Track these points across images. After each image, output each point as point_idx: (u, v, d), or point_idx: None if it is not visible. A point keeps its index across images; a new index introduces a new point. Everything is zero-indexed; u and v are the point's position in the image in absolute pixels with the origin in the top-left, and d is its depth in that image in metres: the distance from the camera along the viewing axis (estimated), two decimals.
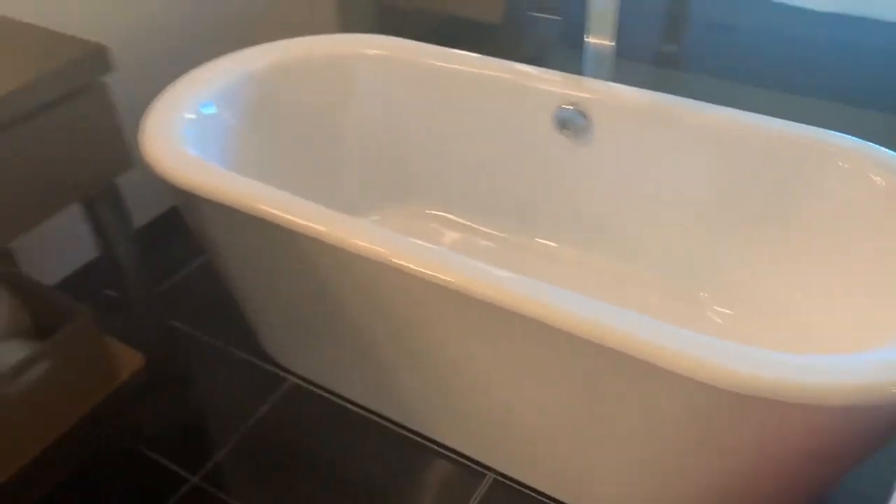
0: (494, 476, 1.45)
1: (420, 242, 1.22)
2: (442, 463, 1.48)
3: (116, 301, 1.85)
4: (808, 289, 1.50)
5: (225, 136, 1.68)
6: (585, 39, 1.66)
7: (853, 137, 1.44)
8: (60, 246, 1.77)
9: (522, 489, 1.42)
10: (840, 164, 1.42)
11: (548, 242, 1.83)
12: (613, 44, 1.64)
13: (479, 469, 1.46)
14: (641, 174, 1.64)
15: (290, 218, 1.27)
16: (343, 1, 2.37)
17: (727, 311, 1.64)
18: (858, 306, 1.37)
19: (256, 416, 1.58)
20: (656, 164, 1.62)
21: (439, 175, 1.90)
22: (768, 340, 1.51)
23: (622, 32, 1.66)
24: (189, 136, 1.52)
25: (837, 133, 1.44)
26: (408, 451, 1.51)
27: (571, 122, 1.64)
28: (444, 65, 1.77)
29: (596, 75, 1.65)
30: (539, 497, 1.41)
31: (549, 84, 1.67)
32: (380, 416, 1.57)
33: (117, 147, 1.18)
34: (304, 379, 1.66)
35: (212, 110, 1.66)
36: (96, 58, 1.09)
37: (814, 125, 1.46)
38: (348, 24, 2.41)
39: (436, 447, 1.50)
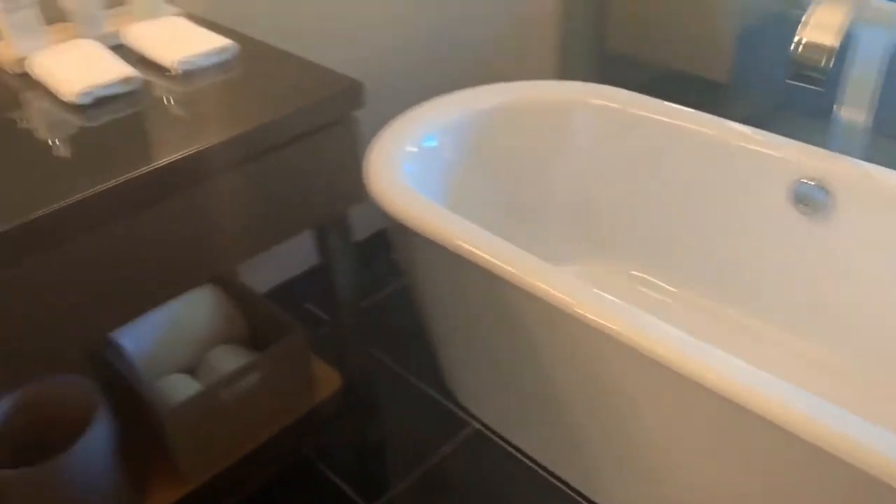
0: None
1: (631, 307, 1.15)
2: None
3: (319, 318, 1.92)
4: None
5: (442, 169, 1.71)
6: (835, 110, 1.52)
7: None
8: (271, 259, 1.86)
9: None
10: None
11: (755, 321, 1.69)
12: (869, 118, 1.49)
13: None
14: (889, 266, 1.47)
15: (495, 262, 1.25)
16: (564, 46, 2.36)
17: None
18: None
19: (437, 457, 1.56)
20: None
21: (646, 234, 1.82)
22: None
23: (880, 105, 1.50)
24: (409, 167, 1.56)
25: None
26: None
27: (810, 199, 1.51)
28: (669, 121, 1.69)
29: (845, 151, 1.50)
30: None
31: (787, 153, 1.55)
32: (564, 482, 1.50)
33: (355, 179, 1.20)
34: (486, 426, 1.63)
35: (433, 144, 1.69)
36: (351, 94, 1.13)
37: None
38: (567, 69, 2.39)
39: None
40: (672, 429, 1.18)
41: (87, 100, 1.10)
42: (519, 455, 1.56)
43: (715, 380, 1.03)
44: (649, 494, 1.32)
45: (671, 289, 1.81)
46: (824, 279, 1.57)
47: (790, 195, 1.54)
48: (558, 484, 1.49)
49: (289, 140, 1.09)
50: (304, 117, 1.09)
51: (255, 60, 1.23)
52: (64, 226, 0.90)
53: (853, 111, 1.49)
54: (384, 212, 1.40)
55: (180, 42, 1.22)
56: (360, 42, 1.84)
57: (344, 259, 1.30)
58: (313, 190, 1.16)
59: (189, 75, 1.18)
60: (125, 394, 1.28)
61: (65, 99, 1.11)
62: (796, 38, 1.29)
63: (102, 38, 1.25)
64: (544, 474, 1.51)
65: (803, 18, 1.31)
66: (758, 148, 1.58)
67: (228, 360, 1.38)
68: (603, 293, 1.18)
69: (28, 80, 1.19)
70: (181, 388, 1.32)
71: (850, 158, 1.48)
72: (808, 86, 1.29)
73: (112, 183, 0.92)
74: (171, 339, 1.38)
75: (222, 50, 1.21)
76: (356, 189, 1.22)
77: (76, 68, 1.14)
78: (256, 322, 1.47)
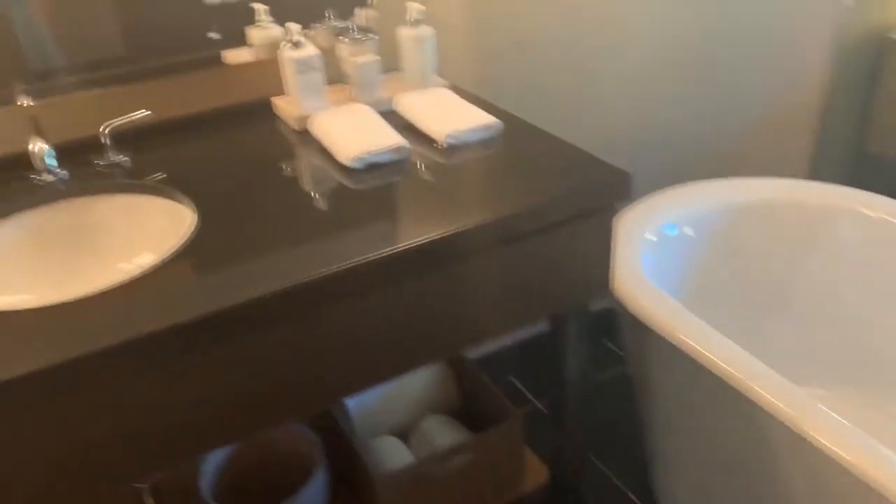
0: None
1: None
2: None
3: (523, 395, 1.87)
4: None
5: (681, 259, 1.61)
6: None
7: None
8: None
9: None
10: None
11: None
12: None
13: None
14: None
15: (739, 377, 1.14)
16: (820, 141, 2.17)
17: None
18: None
19: None
20: None
21: None
22: None
23: None
24: (647, 256, 1.48)
25: None
26: None
27: None
28: None
29: None
30: None
31: None
32: None
33: (604, 271, 1.15)
34: None
35: (673, 233, 1.60)
36: (617, 184, 1.08)
37: None
38: (820, 166, 2.21)
39: None
40: None
41: (359, 164, 1.13)
42: None
43: None
44: None
45: None
46: None
47: None
48: None
49: (545, 227, 1.06)
50: (565, 205, 1.06)
51: (518, 139, 1.22)
52: (321, 292, 0.91)
53: None
54: (624, 306, 1.33)
55: (448, 115, 1.24)
56: (616, 127, 1.81)
57: (578, 350, 1.24)
58: (559, 278, 1.12)
59: (454, 149, 1.19)
60: (340, 448, 1.29)
61: (339, 160, 1.15)
62: None
63: (376, 103, 1.31)
64: None
65: None
66: None
67: (442, 432, 1.36)
68: (855, 427, 1.03)
69: (306, 137, 1.26)
70: (393, 452, 1.31)
71: None
72: None
73: (373, 256, 0.93)
74: (389, 401, 1.38)
75: (487, 127, 1.22)
76: (603, 281, 1.16)
77: (352, 132, 1.18)
78: (471, 395, 1.44)
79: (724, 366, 1.17)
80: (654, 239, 1.56)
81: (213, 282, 0.88)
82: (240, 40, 1.33)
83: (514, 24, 1.59)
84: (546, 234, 1.07)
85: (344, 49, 1.33)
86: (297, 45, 1.26)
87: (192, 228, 1.00)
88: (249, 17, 1.32)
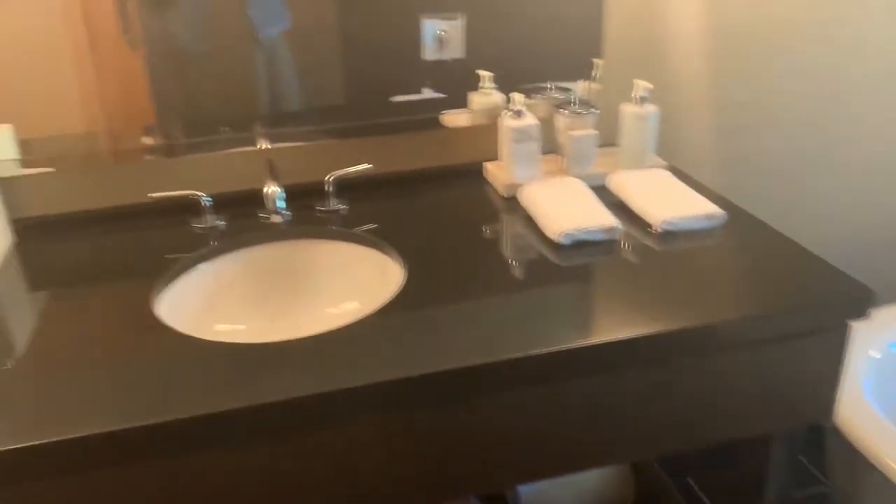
0: None
1: None
2: None
3: (699, 500, 1.73)
4: None
5: None
6: None
7: None
8: None
9: None
10: None
11: None
12: None
13: None
14: None
15: None
16: None
17: None
18: None
19: None
20: None
21: None
22: None
23: None
24: (869, 375, 1.33)
25: None
26: None
27: None
28: None
29: None
30: None
31: None
32: None
33: (828, 396, 1.03)
34: None
35: None
36: (856, 301, 0.97)
37: None
38: None
39: None
40: None
41: (566, 240, 1.11)
42: None
43: None
44: None
45: None
46: None
47: None
48: None
49: (761, 340, 0.97)
50: (790, 318, 0.96)
51: (742, 234, 1.13)
52: (517, 372, 0.88)
53: None
54: (839, 431, 1.19)
55: (665, 198, 1.19)
56: (847, 221, 1.66)
57: (781, 469, 1.12)
58: (771, 396, 1.01)
59: (669, 236, 1.13)
60: None
61: (546, 232, 1.13)
62: None
63: (588, 178, 1.28)
64: None
65: None
66: None
67: None
68: None
69: (515, 205, 1.25)
70: None
71: None
72: None
73: (574, 344, 0.88)
74: (562, 487, 1.32)
75: (709, 216, 1.15)
76: (826, 405, 1.03)
77: (562, 206, 1.16)
78: (646, 491, 1.35)
79: None
80: (879, 356, 1.40)
81: (415, 342, 0.89)
82: (459, 102, 1.36)
83: (744, 105, 1.51)
84: (762, 346, 0.97)
85: (562, 121, 1.32)
86: (518, 114, 1.27)
87: (399, 284, 1.02)
88: (466, 75, 1.35)
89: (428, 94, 1.35)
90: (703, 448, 1.03)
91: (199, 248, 1.14)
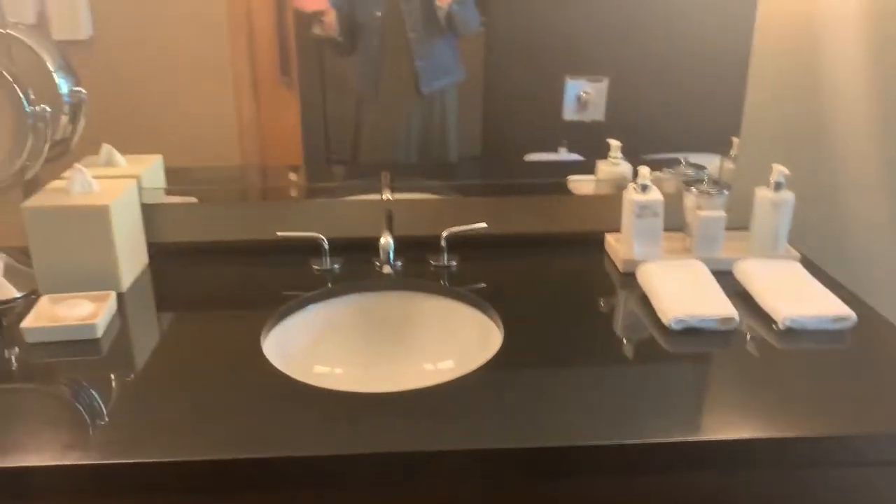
0: None
1: None
2: None
3: None
4: None
5: None
6: None
7: None
8: None
9: None
10: None
11: None
12: None
13: None
14: None
15: None
16: None
17: None
18: None
19: None
20: None
21: None
22: None
23: None
24: None
25: None
26: None
27: None
28: None
29: None
30: None
31: None
32: None
33: None
34: None
35: None
36: None
37: None
38: None
39: None
40: None
41: (677, 326, 1.05)
42: None
43: None
44: None
45: None
46: None
47: None
48: None
49: (886, 462, 0.87)
50: None
51: (876, 342, 1.04)
52: (598, 460, 0.84)
53: None
54: None
55: (793, 293, 1.11)
56: None
57: None
58: None
59: (792, 334, 1.05)
60: None
61: (658, 314, 1.09)
62: None
63: (712, 261, 1.22)
64: None
65: None
66: None
67: None
68: None
69: (630, 280, 1.21)
70: None
71: None
72: None
73: (675, 438, 0.83)
74: None
75: (838, 318, 1.06)
76: None
77: (679, 289, 1.11)
78: None
79: None
80: None
81: (503, 413, 0.87)
82: (591, 165, 1.35)
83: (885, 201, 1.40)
84: (885, 469, 0.88)
85: (691, 199, 1.27)
86: (643, 188, 1.24)
87: (496, 349, 1.01)
88: (602, 139, 1.33)
89: (563, 154, 1.35)
90: None
91: (315, 289, 1.18)
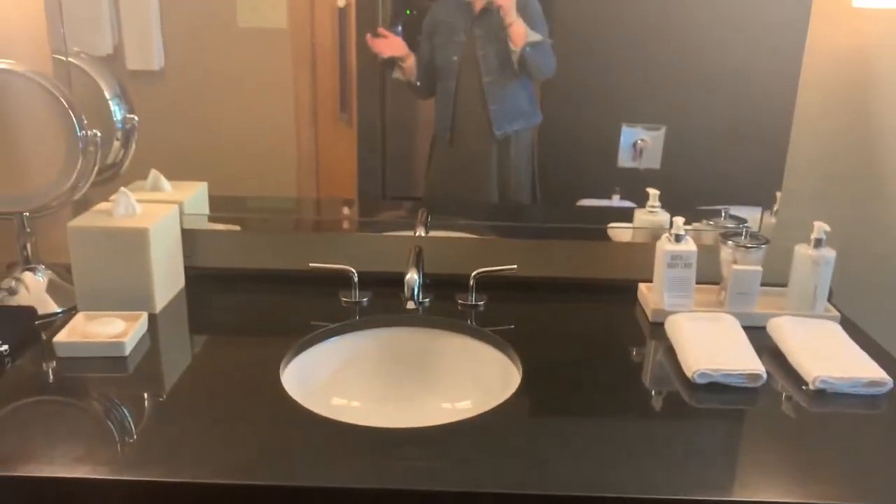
0: None
1: None
2: None
3: None
4: None
5: None
6: None
7: None
8: None
9: None
10: None
11: None
12: None
13: None
14: None
15: None
16: None
17: None
18: None
19: None
20: None
21: None
22: None
23: None
24: None
25: None
26: None
27: None
28: None
29: None
30: None
31: None
32: None
33: None
34: None
35: None
36: None
37: None
38: None
39: None
40: None
41: (701, 380, 1.02)
42: None
43: None
44: None
45: None
46: None
47: None
48: None
49: None
50: None
51: None
52: None
53: None
54: None
55: (827, 354, 1.07)
56: None
57: None
58: None
59: (824, 396, 1.01)
60: None
61: (683, 367, 1.06)
62: None
63: (744, 317, 1.19)
64: None
65: None
66: None
67: None
68: None
69: (659, 331, 1.19)
70: None
71: None
72: None
73: (691, 496, 0.80)
74: None
75: (873, 383, 1.01)
76: None
77: (707, 342, 1.08)
78: None
79: None
80: None
81: (515, 457, 0.85)
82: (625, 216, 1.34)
83: None
84: None
85: (727, 252, 1.24)
86: (677, 238, 1.22)
87: (512, 391, 1.00)
88: (657, 186, 1.32)
89: (616, 200, 1.34)
90: None
91: (341, 321, 1.19)
